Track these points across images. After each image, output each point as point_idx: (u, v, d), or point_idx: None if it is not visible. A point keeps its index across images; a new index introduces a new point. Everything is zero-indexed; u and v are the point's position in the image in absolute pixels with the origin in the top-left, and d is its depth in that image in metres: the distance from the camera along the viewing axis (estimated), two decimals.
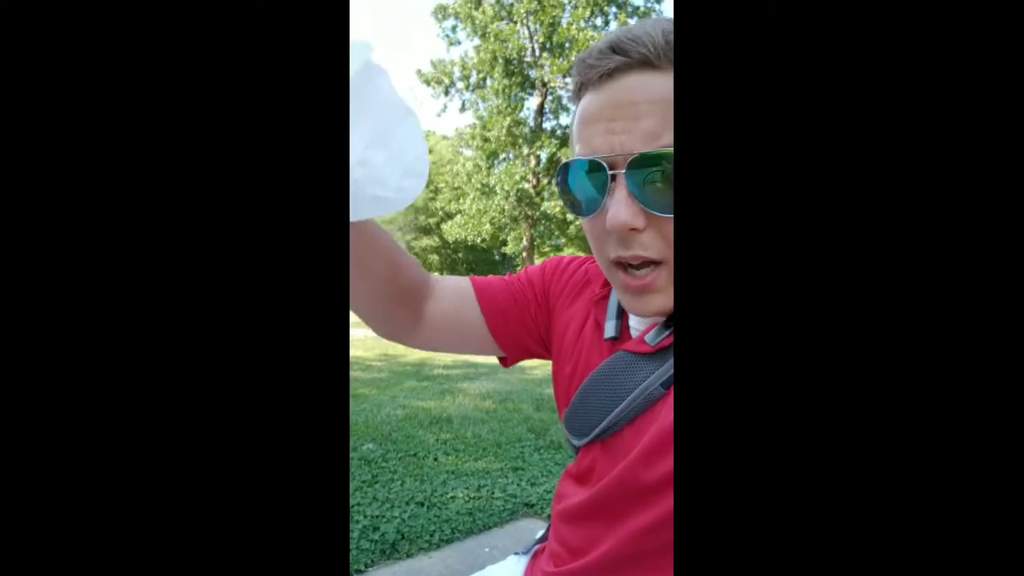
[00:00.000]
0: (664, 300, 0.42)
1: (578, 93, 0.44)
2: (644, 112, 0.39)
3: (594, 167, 0.41)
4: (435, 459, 2.56)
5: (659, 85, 0.39)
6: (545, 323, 0.59)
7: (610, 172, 0.40)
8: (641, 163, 0.38)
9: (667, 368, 0.45)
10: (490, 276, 0.61)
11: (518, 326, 0.58)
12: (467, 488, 2.21)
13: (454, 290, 0.58)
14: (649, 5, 13.22)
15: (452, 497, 2.11)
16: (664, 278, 0.41)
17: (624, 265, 0.42)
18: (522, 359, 0.62)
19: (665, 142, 0.38)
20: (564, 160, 0.44)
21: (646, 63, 0.39)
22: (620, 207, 0.39)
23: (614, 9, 12.72)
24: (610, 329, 0.50)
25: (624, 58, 0.39)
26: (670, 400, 0.43)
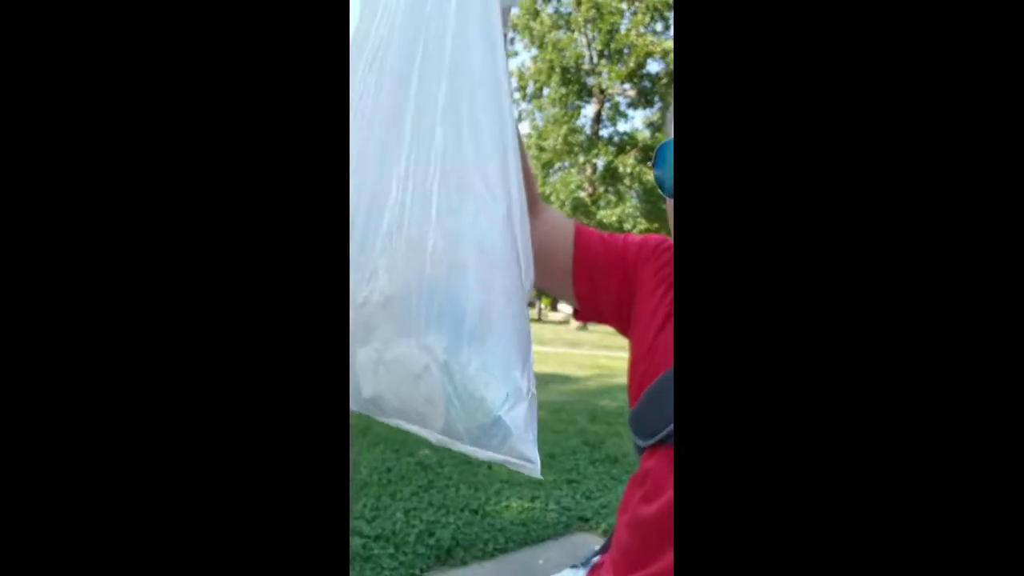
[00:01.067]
0: None
1: None
2: None
3: None
4: (489, 467, 2.57)
5: None
6: (627, 298, 0.57)
7: None
8: None
9: None
10: (593, 228, 0.61)
11: (601, 287, 0.57)
12: (521, 498, 2.20)
13: (556, 224, 0.58)
14: None
15: (506, 506, 2.11)
16: None
17: None
18: (593, 320, 0.61)
19: None
20: (662, 142, 0.45)
21: None
22: None
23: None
24: None
25: None
26: None
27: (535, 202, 0.57)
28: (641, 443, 0.50)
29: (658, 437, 0.47)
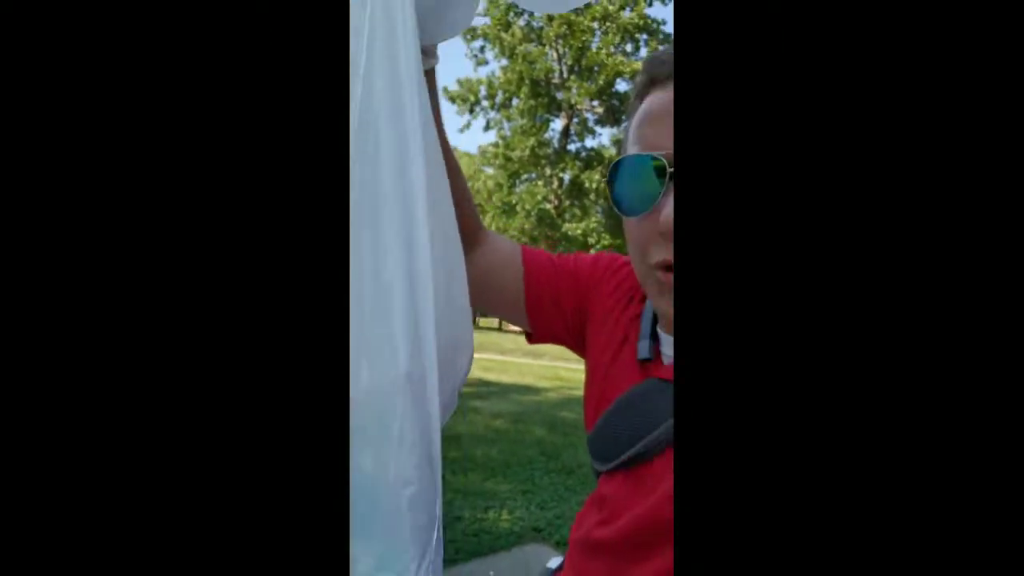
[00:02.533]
0: None
1: (644, 91, 0.44)
2: None
3: (655, 164, 0.40)
4: (442, 478, 2.53)
5: None
6: (581, 320, 0.57)
7: (670, 170, 0.39)
8: None
9: None
10: (540, 249, 0.60)
11: (553, 310, 0.57)
12: (473, 509, 2.17)
13: (502, 249, 0.57)
14: None
15: (457, 517, 2.08)
16: None
17: (668, 267, 0.41)
18: (547, 342, 0.61)
19: None
20: (616, 159, 0.44)
21: None
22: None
23: (645, 36, 12.87)
24: (643, 350, 0.48)
25: None
26: None
27: (477, 230, 0.56)
28: (599, 467, 0.49)
29: (616, 462, 0.47)
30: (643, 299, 0.53)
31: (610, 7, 12.25)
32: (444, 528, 0.27)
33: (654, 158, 0.40)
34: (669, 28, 12.99)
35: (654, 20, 12.77)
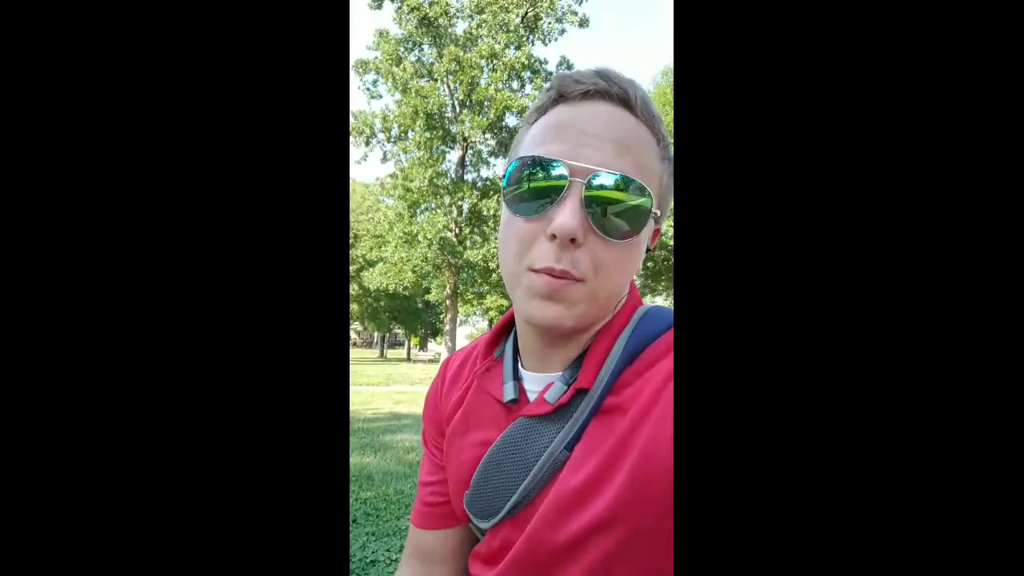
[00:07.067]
0: (566, 313, 0.41)
1: (551, 104, 0.45)
2: (613, 137, 0.41)
3: (556, 169, 0.41)
4: (354, 521, 2.43)
5: (630, 125, 0.42)
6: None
7: (571, 179, 0.40)
8: (601, 179, 0.40)
9: (570, 427, 0.43)
10: (418, 506, 0.58)
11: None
12: (388, 550, 2.11)
13: (441, 552, 0.56)
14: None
15: (372, 562, 2.00)
16: (577, 295, 0.41)
17: (551, 273, 0.41)
18: None
19: (622, 169, 0.40)
20: (516, 159, 0.44)
21: (625, 101, 0.42)
22: (569, 215, 0.39)
23: (529, 74, 13.65)
24: (509, 391, 0.48)
25: (608, 86, 0.42)
26: (574, 460, 0.42)
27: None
28: (484, 525, 0.47)
29: (501, 514, 0.45)
30: (486, 354, 0.53)
31: (496, 47, 12.88)
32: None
33: (560, 163, 0.40)
34: (550, 67, 13.90)
35: (537, 60, 13.63)
